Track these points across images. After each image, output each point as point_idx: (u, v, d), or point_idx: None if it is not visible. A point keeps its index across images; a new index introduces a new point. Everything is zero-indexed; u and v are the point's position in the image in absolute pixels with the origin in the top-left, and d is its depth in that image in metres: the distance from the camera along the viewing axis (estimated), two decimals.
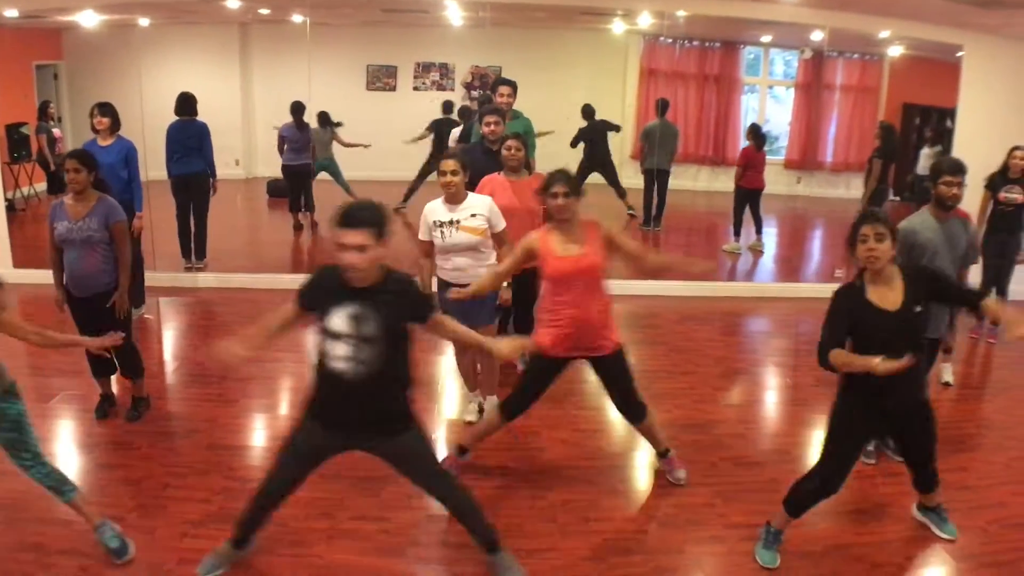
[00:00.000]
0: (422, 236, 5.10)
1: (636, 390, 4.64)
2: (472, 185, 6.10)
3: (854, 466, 4.00)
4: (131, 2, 8.49)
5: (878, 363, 3.41)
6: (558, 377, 4.61)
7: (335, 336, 3.30)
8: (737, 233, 10.52)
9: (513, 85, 6.83)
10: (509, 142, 5.77)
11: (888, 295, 3.65)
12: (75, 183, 5.04)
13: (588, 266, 4.29)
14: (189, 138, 8.35)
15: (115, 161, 6.92)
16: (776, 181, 10.80)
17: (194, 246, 8.81)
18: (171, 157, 8.36)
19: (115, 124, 7.00)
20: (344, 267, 3.20)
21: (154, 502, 4.48)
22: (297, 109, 10.22)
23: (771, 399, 6.42)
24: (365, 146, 10.99)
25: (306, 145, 10.40)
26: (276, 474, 3.70)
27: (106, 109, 6.96)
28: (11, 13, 8.56)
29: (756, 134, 10.40)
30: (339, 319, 3.28)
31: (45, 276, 7.54)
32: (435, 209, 5.05)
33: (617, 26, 12.29)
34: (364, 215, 3.20)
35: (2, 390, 3.86)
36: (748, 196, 10.31)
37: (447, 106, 11.65)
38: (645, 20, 10.50)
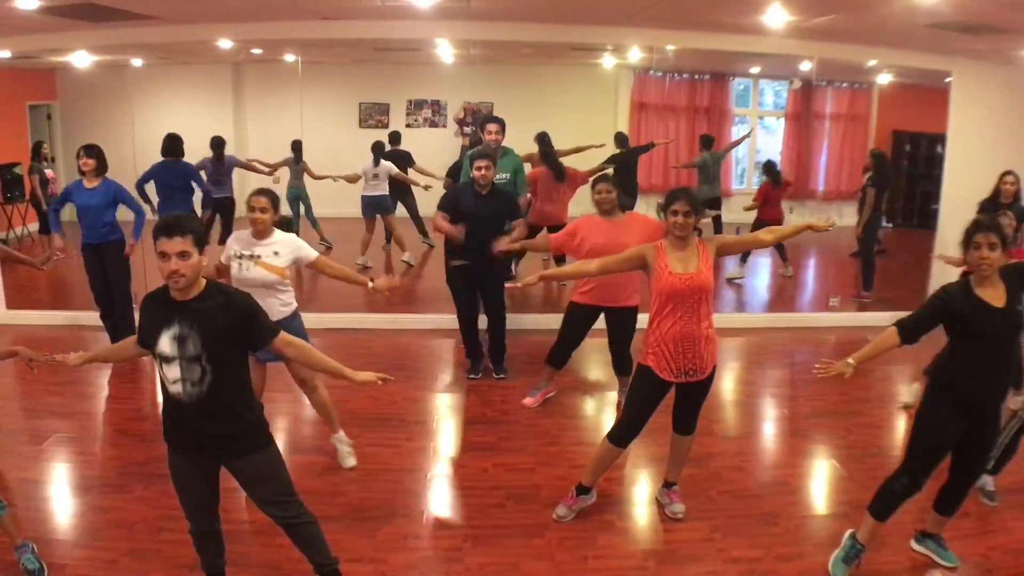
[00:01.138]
0: (223, 258, 5.14)
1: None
2: (479, 228, 6.24)
3: (940, 463, 4.06)
4: (124, 43, 8.49)
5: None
6: (662, 399, 4.57)
7: (166, 359, 3.35)
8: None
9: (501, 123, 6.90)
10: (600, 186, 5.86)
11: (994, 294, 3.85)
12: None
13: (700, 284, 4.30)
14: (174, 178, 8.39)
15: (100, 204, 6.97)
16: None
17: None
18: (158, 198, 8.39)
19: (101, 166, 7.04)
20: (167, 276, 3.25)
21: (148, 546, 4.44)
22: (217, 144, 10.16)
23: (769, 431, 6.38)
24: (334, 179, 10.98)
25: (224, 178, 10.33)
26: (182, 504, 3.69)
27: (92, 151, 6.99)
28: (4, 54, 8.60)
29: (771, 171, 10.46)
30: (165, 342, 3.33)
31: (39, 317, 7.55)
32: (240, 239, 5.08)
33: (607, 60, 12.36)
34: (185, 224, 3.28)
35: None
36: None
37: (394, 137, 11.62)
38: (635, 54, 10.57)
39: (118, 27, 7.99)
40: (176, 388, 3.36)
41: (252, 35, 8.61)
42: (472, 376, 6.95)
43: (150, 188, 8.43)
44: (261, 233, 5.02)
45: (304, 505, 3.71)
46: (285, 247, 5.04)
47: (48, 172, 10.88)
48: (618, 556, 4.43)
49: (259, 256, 4.96)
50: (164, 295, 3.38)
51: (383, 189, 10.64)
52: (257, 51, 11.28)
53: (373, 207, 10.69)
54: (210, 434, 3.45)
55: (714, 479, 5.26)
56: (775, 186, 10.34)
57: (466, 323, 6.97)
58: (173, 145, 8.50)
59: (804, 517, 4.91)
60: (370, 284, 5.27)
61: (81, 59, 10.37)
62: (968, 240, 3.88)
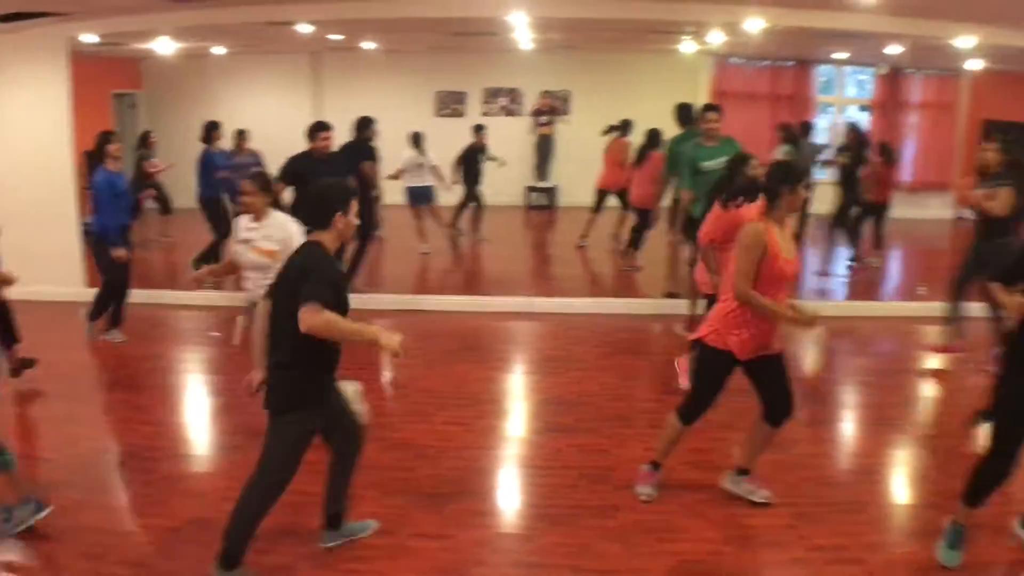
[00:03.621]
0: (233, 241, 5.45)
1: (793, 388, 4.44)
2: None
3: None
4: (204, 24, 8.57)
5: None
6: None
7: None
8: (853, 245, 10.35)
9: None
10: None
11: None
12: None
13: (798, 268, 4.19)
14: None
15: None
16: None
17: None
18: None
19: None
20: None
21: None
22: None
23: (852, 418, 6.17)
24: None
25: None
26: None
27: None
28: (91, 38, 8.75)
29: (886, 151, 10.19)
30: None
31: None
32: (242, 224, 5.32)
33: (687, 46, 12.14)
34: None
35: None
36: (874, 210, 10.15)
37: (479, 129, 11.50)
38: (715, 39, 10.35)
39: (198, 7, 8.06)
40: None
41: (330, 15, 8.59)
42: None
43: None
44: (257, 216, 5.22)
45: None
46: (278, 231, 5.13)
47: (154, 160, 11.02)
48: (694, 540, 4.25)
49: (252, 241, 5.18)
50: None
51: (428, 180, 10.69)
52: (336, 37, 11.31)
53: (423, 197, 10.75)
54: None
55: (796, 465, 5.04)
56: (889, 165, 10.07)
57: None
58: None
59: (891, 506, 4.73)
60: None
61: (164, 46, 10.51)
62: None
